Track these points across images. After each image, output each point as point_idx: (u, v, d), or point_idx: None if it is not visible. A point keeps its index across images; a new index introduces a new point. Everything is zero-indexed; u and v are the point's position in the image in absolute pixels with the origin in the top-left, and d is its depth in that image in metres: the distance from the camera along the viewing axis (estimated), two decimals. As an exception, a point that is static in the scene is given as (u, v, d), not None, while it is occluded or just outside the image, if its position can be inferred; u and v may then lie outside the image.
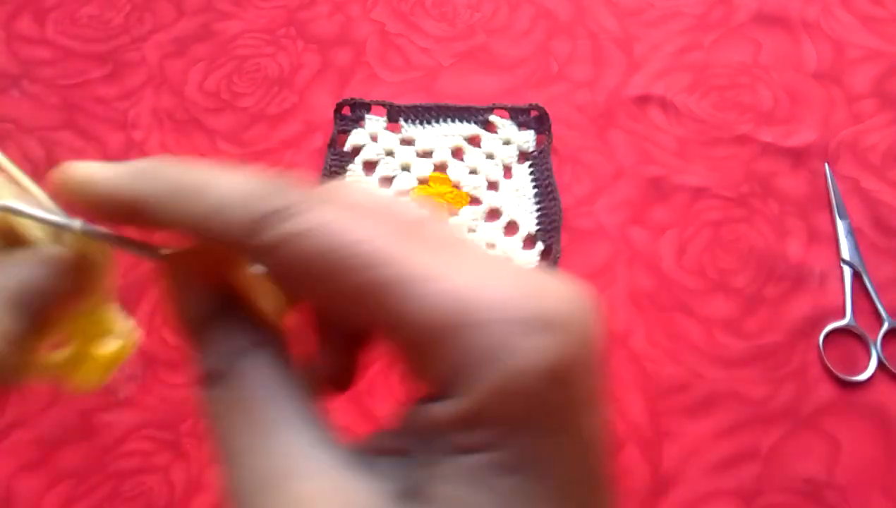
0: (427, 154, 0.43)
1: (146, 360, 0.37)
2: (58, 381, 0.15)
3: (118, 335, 0.16)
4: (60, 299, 0.14)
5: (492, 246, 0.41)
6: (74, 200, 0.14)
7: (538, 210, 0.41)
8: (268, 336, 0.13)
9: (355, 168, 0.43)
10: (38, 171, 0.15)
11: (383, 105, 0.44)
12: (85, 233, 0.14)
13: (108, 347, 0.16)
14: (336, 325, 0.14)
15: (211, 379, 0.13)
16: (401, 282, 0.11)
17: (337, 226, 0.12)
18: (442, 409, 0.11)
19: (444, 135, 0.44)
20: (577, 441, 0.11)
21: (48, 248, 0.14)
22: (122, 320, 0.16)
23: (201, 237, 0.13)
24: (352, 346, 0.15)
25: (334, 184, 0.13)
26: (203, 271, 0.14)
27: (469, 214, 0.41)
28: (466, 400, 0.11)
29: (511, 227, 0.41)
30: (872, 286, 0.39)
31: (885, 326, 0.37)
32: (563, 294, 0.12)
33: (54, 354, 0.15)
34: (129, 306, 0.18)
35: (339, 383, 0.15)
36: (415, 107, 0.44)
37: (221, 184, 0.12)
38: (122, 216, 0.13)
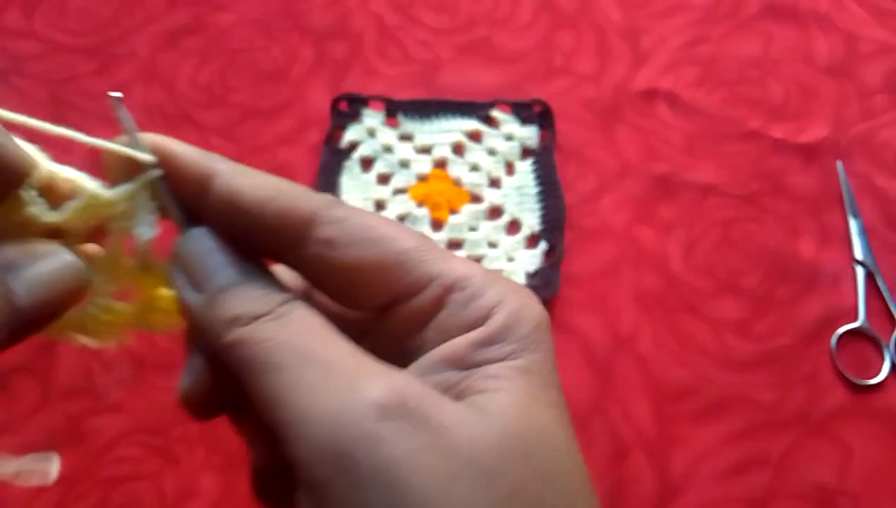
0: (426, 150, 0.42)
1: (136, 364, 0.36)
2: (139, 328, 0.18)
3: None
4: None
5: (493, 245, 0.40)
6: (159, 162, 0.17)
7: (541, 208, 0.40)
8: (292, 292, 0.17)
9: (352, 164, 0.42)
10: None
11: (381, 99, 0.43)
12: (155, 184, 0.17)
13: (168, 293, 0.18)
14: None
15: (257, 318, 0.15)
16: (428, 251, 0.17)
17: (364, 214, 0.17)
18: (477, 333, 0.16)
19: (443, 131, 0.43)
20: (550, 358, 0.16)
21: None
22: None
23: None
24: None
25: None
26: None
27: (470, 212, 0.40)
28: (494, 322, 0.16)
29: (513, 226, 0.40)
30: (886, 287, 0.38)
31: (900, 328, 0.37)
32: (523, 289, 0.17)
33: (123, 306, 0.17)
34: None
35: None
36: (414, 101, 0.43)
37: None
38: (189, 189, 0.17)
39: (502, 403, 0.15)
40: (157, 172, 0.17)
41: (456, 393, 0.16)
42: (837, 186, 0.41)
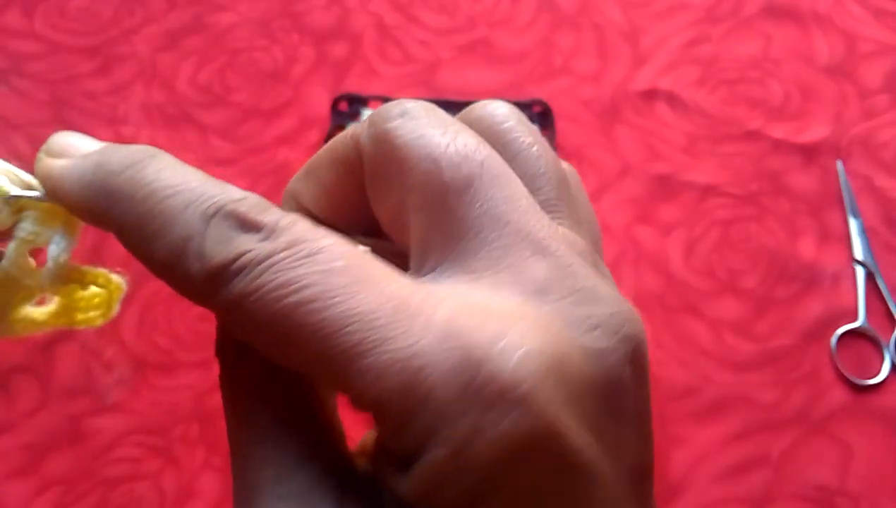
0: (427, 150, 0.42)
1: (136, 364, 0.36)
2: (59, 327, 0.16)
3: (102, 281, 0.16)
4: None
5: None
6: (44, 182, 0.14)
7: (541, 208, 0.40)
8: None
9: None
10: (26, 168, 0.15)
11: (381, 99, 0.43)
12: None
13: (96, 290, 0.16)
14: None
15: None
16: (349, 356, 0.11)
17: (290, 286, 0.11)
18: (397, 483, 0.11)
19: (444, 131, 0.43)
20: None
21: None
22: (100, 271, 0.16)
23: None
24: None
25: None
26: None
27: (470, 212, 0.40)
28: (413, 479, 0.11)
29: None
30: (886, 287, 0.38)
31: (900, 329, 0.37)
32: (528, 356, 0.11)
33: (40, 310, 0.16)
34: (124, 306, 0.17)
35: None
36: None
37: (175, 224, 0.12)
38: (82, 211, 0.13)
39: None
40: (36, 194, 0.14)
41: None
42: (837, 186, 0.41)
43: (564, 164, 0.15)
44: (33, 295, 0.15)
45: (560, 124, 0.43)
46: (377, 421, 0.11)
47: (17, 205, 0.14)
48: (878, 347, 0.37)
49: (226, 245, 0.11)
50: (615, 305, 0.12)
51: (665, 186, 0.41)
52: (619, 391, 0.12)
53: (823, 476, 0.34)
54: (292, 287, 0.11)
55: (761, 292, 0.38)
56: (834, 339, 0.36)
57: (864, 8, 0.47)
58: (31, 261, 0.15)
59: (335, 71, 0.45)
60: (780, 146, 0.42)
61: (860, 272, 0.38)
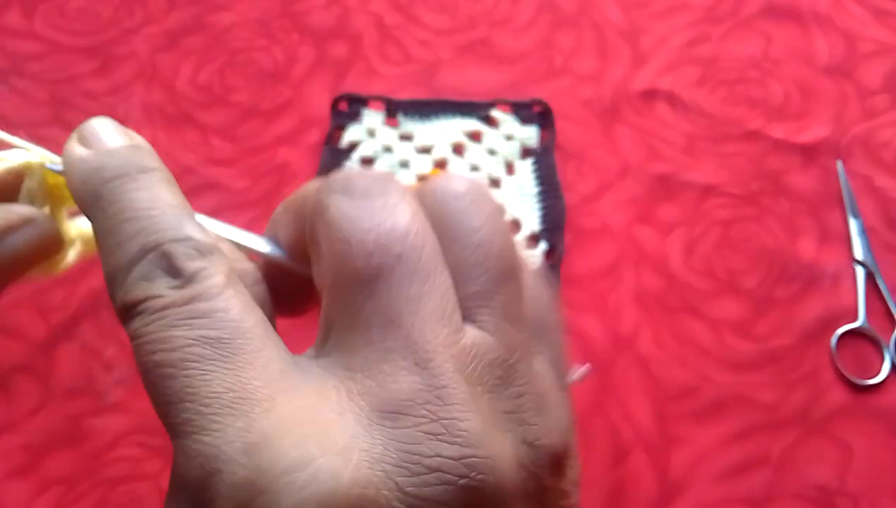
0: (426, 150, 0.42)
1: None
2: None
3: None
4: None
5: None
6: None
7: (541, 208, 0.40)
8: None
9: (352, 164, 0.42)
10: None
11: (381, 99, 0.43)
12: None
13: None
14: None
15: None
16: (174, 430, 0.12)
17: (161, 344, 0.12)
18: None
19: (444, 131, 0.43)
20: None
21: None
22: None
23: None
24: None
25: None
26: None
27: (470, 212, 0.40)
28: None
29: (513, 226, 0.40)
30: (886, 287, 0.38)
31: (900, 328, 0.37)
32: (309, 500, 0.10)
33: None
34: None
35: (293, 308, 0.16)
36: (414, 101, 0.43)
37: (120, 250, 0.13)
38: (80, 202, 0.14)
39: None
40: (35, 160, 0.16)
41: None
42: (837, 186, 0.41)
43: (532, 261, 0.14)
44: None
45: (560, 124, 0.43)
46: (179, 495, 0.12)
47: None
48: (878, 347, 0.37)
49: (143, 284, 0.12)
50: (470, 448, 0.11)
51: (665, 186, 0.41)
52: None
53: (823, 476, 0.34)
54: (160, 346, 0.12)
55: (761, 292, 0.38)
56: (834, 339, 0.36)
57: (864, 8, 0.47)
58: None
59: (335, 71, 0.45)
60: (780, 146, 0.42)
61: (860, 272, 0.38)
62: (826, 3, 0.47)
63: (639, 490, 0.34)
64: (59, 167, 0.16)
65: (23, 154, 0.16)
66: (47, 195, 0.17)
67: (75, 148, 0.14)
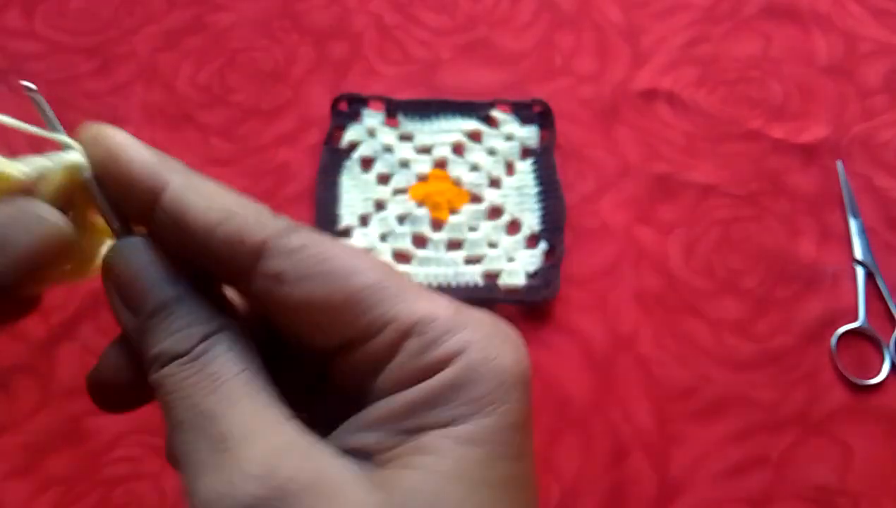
0: (426, 150, 0.42)
1: (136, 364, 0.36)
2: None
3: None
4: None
5: (493, 245, 0.40)
6: (101, 159, 0.15)
7: (541, 208, 0.40)
8: (227, 318, 0.15)
9: (352, 164, 0.42)
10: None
11: (381, 99, 0.43)
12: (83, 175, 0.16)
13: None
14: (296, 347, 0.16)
15: (175, 358, 0.14)
16: (388, 288, 0.15)
17: (324, 243, 0.15)
18: (418, 391, 0.14)
19: (444, 131, 0.43)
20: (513, 423, 0.14)
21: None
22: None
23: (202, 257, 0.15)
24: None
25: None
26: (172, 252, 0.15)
27: (470, 212, 0.40)
28: (443, 377, 0.14)
29: (513, 226, 0.40)
30: (886, 287, 0.38)
31: (900, 328, 0.37)
32: (511, 331, 0.15)
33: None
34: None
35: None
36: (414, 101, 0.43)
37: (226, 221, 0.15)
38: (134, 198, 0.15)
39: (413, 486, 0.13)
40: (76, 157, 0.15)
41: (382, 461, 0.14)
42: (837, 186, 0.41)
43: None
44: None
45: (560, 124, 0.43)
46: (388, 347, 0.14)
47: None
48: (878, 347, 0.37)
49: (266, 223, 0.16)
50: None
51: (665, 186, 0.41)
52: None
53: (823, 476, 0.34)
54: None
55: (761, 292, 0.38)
56: (834, 339, 0.36)
57: (864, 8, 0.47)
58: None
59: (335, 71, 0.45)
60: (779, 146, 0.42)
61: (860, 272, 0.38)
62: (826, 3, 0.47)
63: (639, 490, 0.34)
64: (88, 173, 0.15)
65: (64, 157, 0.15)
66: (73, 196, 0.16)
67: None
